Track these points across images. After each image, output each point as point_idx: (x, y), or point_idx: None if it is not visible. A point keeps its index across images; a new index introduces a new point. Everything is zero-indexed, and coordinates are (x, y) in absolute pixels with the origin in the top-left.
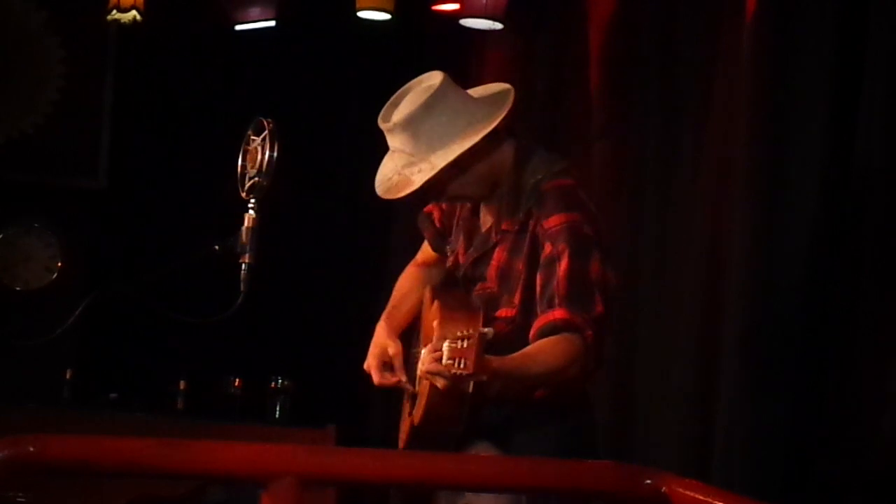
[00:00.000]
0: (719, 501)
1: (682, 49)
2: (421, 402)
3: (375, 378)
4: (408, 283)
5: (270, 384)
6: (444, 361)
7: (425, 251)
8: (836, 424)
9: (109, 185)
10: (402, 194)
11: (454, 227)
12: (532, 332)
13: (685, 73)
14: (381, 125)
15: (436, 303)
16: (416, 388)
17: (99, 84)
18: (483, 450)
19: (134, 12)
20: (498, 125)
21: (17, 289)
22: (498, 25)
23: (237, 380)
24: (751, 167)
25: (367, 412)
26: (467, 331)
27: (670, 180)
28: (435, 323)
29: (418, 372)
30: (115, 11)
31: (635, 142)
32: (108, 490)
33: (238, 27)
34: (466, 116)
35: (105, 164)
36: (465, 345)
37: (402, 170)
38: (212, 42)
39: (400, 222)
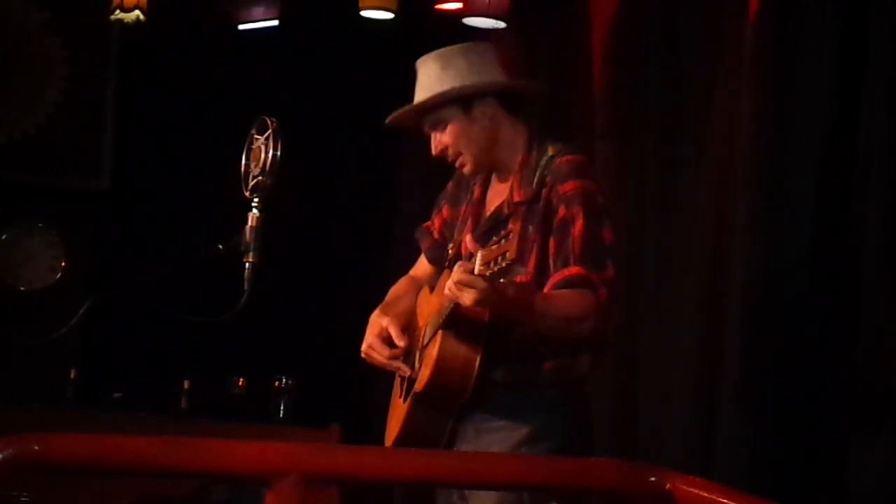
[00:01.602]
0: (723, 499)
1: (684, 48)
2: (428, 365)
3: (381, 354)
4: (402, 289)
5: (274, 383)
6: (476, 270)
7: (420, 266)
8: (837, 423)
9: (112, 185)
10: (409, 106)
11: (458, 223)
12: (546, 288)
13: (687, 73)
14: (418, 62)
15: (445, 272)
16: (417, 367)
17: (102, 84)
18: (479, 426)
19: (137, 12)
20: (519, 98)
21: (21, 289)
22: (501, 24)
23: (241, 379)
24: (752, 167)
25: (370, 411)
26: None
27: (672, 180)
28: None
29: (446, 290)
30: (118, 11)
31: (637, 141)
32: (112, 489)
33: (241, 27)
34: (496, 71)
35: (108, 164)
36: (503, 242)
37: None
38: (215, 42)
39: (403, 221)
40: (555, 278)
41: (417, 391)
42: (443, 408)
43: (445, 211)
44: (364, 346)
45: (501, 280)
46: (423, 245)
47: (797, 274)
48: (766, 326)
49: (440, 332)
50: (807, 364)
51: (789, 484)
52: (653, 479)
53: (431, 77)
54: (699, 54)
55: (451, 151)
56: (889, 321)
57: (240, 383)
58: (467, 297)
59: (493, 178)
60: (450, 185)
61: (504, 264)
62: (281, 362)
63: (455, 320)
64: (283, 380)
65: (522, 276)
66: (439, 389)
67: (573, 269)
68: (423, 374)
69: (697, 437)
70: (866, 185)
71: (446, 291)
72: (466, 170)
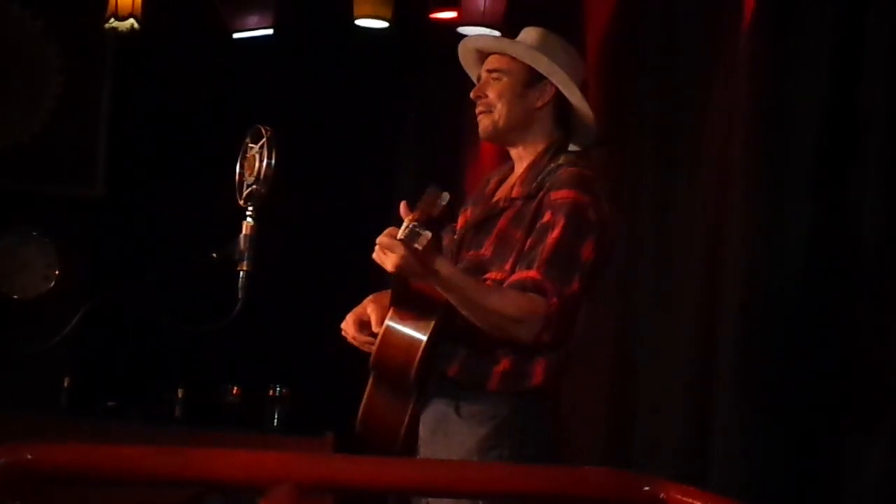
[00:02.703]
0: None
1: (680, 54)
2: (377, 339)
3: (351, 332)
4: None
5: (268, 392)
6: (399, 234)
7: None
8: (834, 428)
9: (107, 193)
10: (500, 37)
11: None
12: (505, 285)
13: (683, 78)
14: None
15: None
16: None
17: (97, 92)
18: (434, 426)
19: (132, 20)
20: (569, 111)
21: (15, 297)
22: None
23: (235, 388)
24: (749, 172)
25: None
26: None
27: (668, 186)
28: None
29: (374, 255)
30: (112, 20)
31: (634, 145)
32: (106, 498)
33: (236, 35)
34: (573, 78)
35: (103, 172)
36: (419, 211)
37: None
38: (210, 50)
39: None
40: (512, 278)
41: (370, 367)
42: (395, 387)
43: (469, 211)
44: (343, 325)
45: (416, 245)
46: (445, 241)
47: (794, 279)
48: (763, 332)
49: (391, 307)
50: (803, 369)
51: (786, 492)
52: (647, 488)
53: (528, 38)
54: (695, 58)
55: (487, 100)
56: (886, 327)
57: (234, 392)
58: (389, 262)
59: (509, 177)
60: (478, 186)
61: (411, 226)
62: (275, 371)
63: (403, 297)
64: (278, 388)
65: (500, 273)
66: (383, 369)
67: (531, 273)
68: (373, 351)
69: (693, 446)
70: (864, 189)
71: (374, 256)
72: (483, 125)
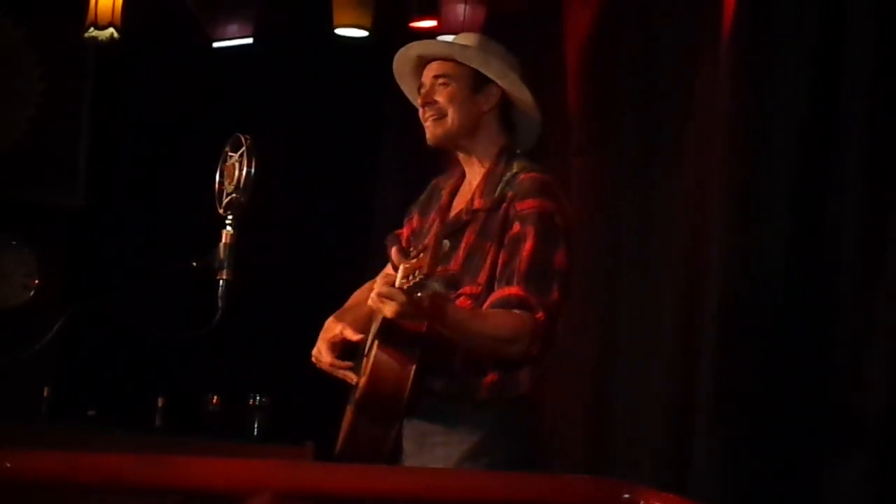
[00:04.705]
0: None
1: (659, 65)
2: (364, 375)
3: (326, 359)
4: (363, 295)
5: (248, 401)
6: (397, 282)
7: (386, 272)
8: (812, 440)
9: (87, 202)
10: (442, 41)
11: (426, 229)
12: (486, 305)
13: (663, 89)
14: (458, 35)
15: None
16: (360, 375)
17: (77, 101)
18: (422, 440)
19: (111, 30)
20: (513, 110)
21: None
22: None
23: (215, 397)
24: (728, 182)
25: None
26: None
27: (648, 196)
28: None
29: (370, 301)
30: (92, 28)
31: (613, 157)
32: None
33: (216, 44)
34: (516, 76)
35: (83, 181)
36: (420, 256)
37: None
38: (189, 59)
39: (379, 238)
40: (494, 296)
41: (355, 400)
42: (381, 418)
43: (416, 220)
44: (314, 351)
45: (419, 294)
46: (390, 251)
47: (773, 287)
48: (742, 340)
49: (375, 342)
50: (782, 382)
51: (766, 500)
52: (626, 495)
53: (470, 42)
54: (674, 70)
55: (438, 105)
56: (865, 335)
57: (214, 401)
58: (388, 310)
59: (462, 186)
60: (423, 194)
61: (418, 278)
62: (255, 380)
63: (389, 331)
64: (258, 397)
65: (473, 287)
66: (374, 400)
67: (513, 290)
68: (360, 384)
69: (673, 453)
70: (843, 196)
71: (369, 302)
72: (434, 132)
